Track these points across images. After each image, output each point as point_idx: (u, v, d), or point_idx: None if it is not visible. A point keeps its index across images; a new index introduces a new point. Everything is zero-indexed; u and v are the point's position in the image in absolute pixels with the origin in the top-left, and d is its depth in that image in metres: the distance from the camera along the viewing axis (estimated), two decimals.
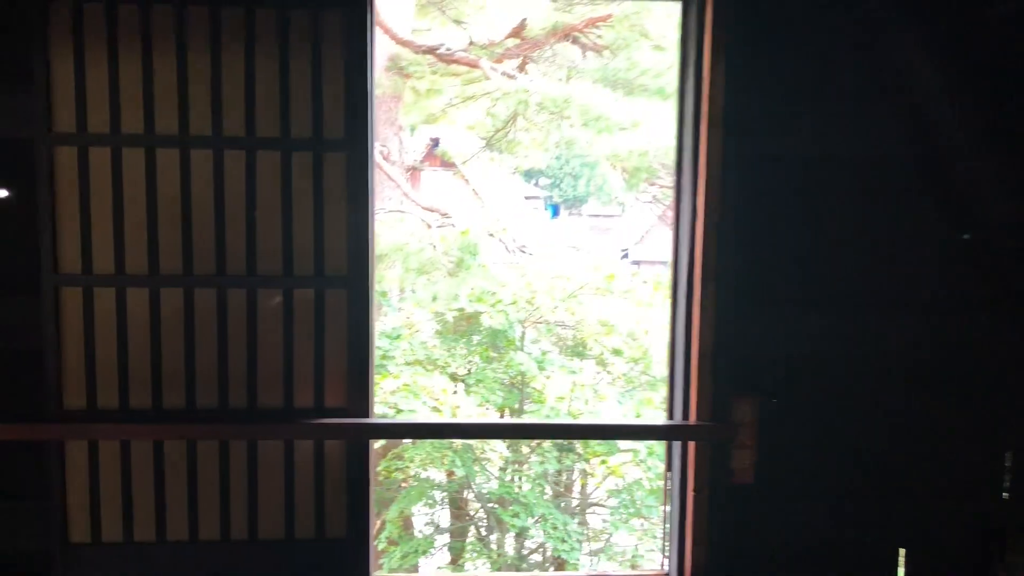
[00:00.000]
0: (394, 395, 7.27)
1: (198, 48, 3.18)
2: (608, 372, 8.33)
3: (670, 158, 7.42)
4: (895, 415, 3.46)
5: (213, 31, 3.18)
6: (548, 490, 9.31)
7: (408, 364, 8.09)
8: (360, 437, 3.29)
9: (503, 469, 7.60)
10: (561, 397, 7.69)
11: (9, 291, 3.19)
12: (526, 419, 7.96)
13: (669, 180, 7.94)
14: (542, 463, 7.84)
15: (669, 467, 3.61)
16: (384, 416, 6.84)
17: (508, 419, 6.89)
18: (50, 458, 3.25)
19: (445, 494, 9.49)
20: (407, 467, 7.79)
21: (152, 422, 3.25)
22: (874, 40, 3.28)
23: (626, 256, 39.73)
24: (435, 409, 7.19)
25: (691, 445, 3.43)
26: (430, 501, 9.65)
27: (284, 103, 3.24)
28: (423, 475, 8.31)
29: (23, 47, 3.11)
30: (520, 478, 7.80)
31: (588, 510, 10.27)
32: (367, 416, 3.31)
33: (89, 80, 3.17)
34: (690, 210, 3.33)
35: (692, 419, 3.37)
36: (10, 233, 3.19)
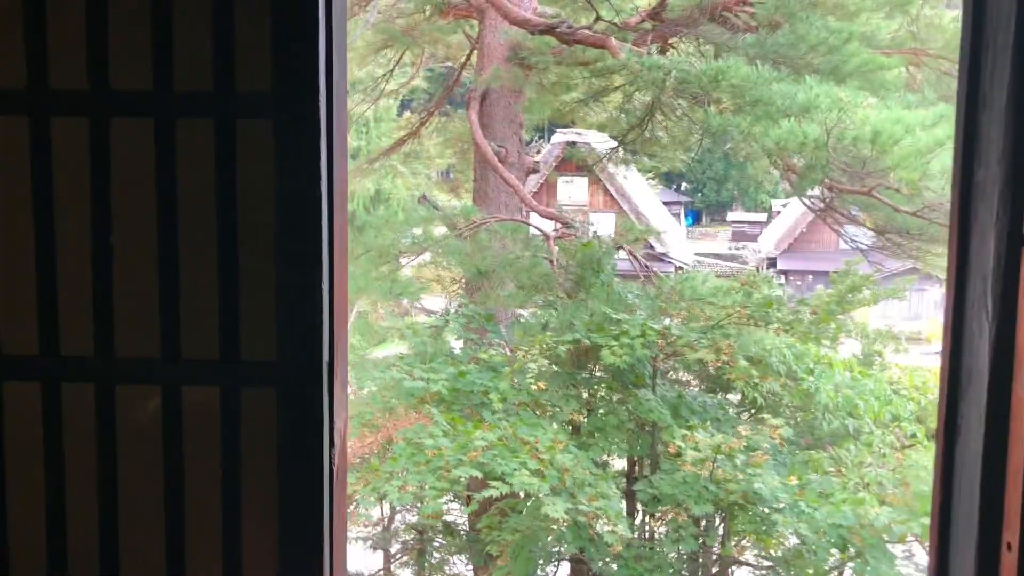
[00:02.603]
0: (486, 452, 5.60)
1: None
2: (762, 426, 6.40)
3: (851, 152, 5.44)
4: None
5: None
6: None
7: (510, 408, 6.43)
8: None
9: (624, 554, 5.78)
10: (703, 458, 5.82)
11: None
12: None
13: (845, 179, 5.94)
14: (676, 541, 5.99)
15: None
16: None
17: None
18: None
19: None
20: (504, 538, 6.10)
21: None
22: None
23: (772, 266, 36.97)
24: (537, 473, 5.48)
25: None
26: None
27: (162, 30, 1.60)
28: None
29: None
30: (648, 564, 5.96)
31: None
32: None
33: None
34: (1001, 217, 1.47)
35: None
36: None
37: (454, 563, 9.89)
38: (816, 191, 6.87)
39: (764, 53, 6.45)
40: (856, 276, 10.08)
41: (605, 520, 5.47)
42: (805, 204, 6.87)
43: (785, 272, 35.04)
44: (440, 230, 9.23)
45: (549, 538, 6.15)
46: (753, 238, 46.88)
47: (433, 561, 9.81)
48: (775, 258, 37.68)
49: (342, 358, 1.73)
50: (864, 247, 9.79)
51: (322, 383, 1.66)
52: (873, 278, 10.23)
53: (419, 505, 6.67)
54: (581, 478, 5.67)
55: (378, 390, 6.72)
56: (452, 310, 8.06)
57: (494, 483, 5.49)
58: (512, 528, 6.04)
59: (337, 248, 1.69)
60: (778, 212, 45.67)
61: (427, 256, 9.35)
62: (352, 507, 7.29)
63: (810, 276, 35.13)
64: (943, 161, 4.79)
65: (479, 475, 5.55)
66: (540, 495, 5.42)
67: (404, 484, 5.92)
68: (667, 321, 7.55)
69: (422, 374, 6.60)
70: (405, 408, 6.51)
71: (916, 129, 4.80)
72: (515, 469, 5.48)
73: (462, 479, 5.69)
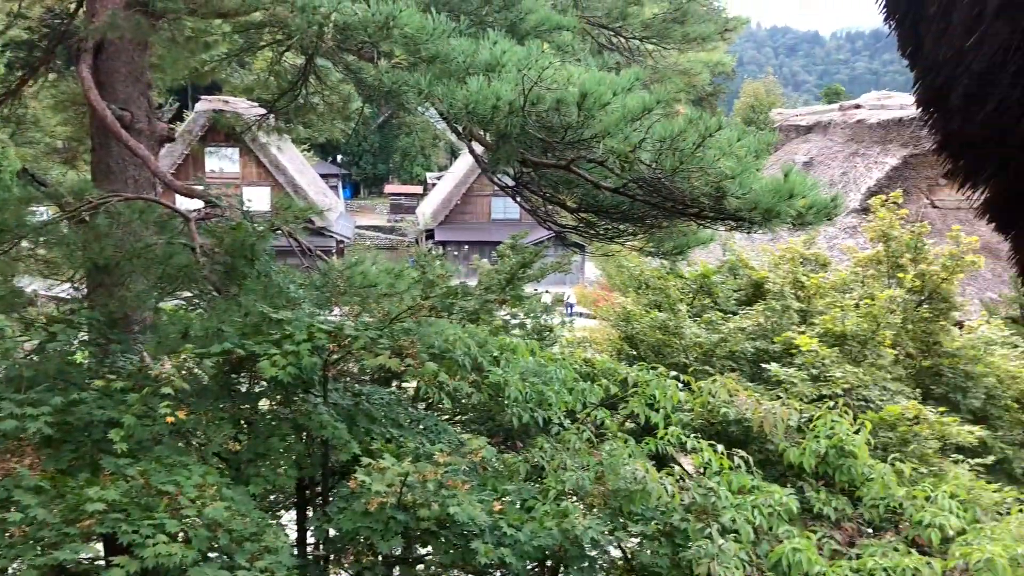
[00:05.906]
0: (107, 517, 3.99)
1: None
2: (442, 412, 5.40)
3: (548, 120, 4.52)
4: None
5: None
6: None
7: (146, 444, 4.82)
8: None
9: None
10: (389, 485, 4.68)
11: None
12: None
13: (538, 151, 5.05)
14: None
15: None
16: None
17: None
18: None
19: None
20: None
21: None
22: None
23: (431, 237, 36.87)
24: (178, 535, 3.99)
25: None
26: None
27: None
28: None
29: None
30: None
31: None
32: None
33: None
34: None
35: None
36: None
37: None
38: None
39: (436, 3, 5.38)
40: (526, 251, 9.53)
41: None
42: (495, 182, 5.94)
43: (443, 243, 35.08)
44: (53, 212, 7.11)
45: None
46: (411, 210, 46.69)
47: None
48: (432, 230, 37.63)
49: None
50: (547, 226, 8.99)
51: None
52: (542, 252, 9.75)
53: None
54: (239, 531, 4.28)
55: None
56: (64, 315, 6.10)
57: (119, 559, 3.91)
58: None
59: None
60: (433, 184, 45.81)
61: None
62: None
63: (466, 246, 35.56)
64: (658, 130, 4.07)
65: (97, 550, 3.94)
66: (185, 565, 3.95)
67: None
68: (337, 311, 6.32)
69: (15, 408, 4.75)
70: None
71: (620, 92, 4.03)
72: (148, 536, 3.95)
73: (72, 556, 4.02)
